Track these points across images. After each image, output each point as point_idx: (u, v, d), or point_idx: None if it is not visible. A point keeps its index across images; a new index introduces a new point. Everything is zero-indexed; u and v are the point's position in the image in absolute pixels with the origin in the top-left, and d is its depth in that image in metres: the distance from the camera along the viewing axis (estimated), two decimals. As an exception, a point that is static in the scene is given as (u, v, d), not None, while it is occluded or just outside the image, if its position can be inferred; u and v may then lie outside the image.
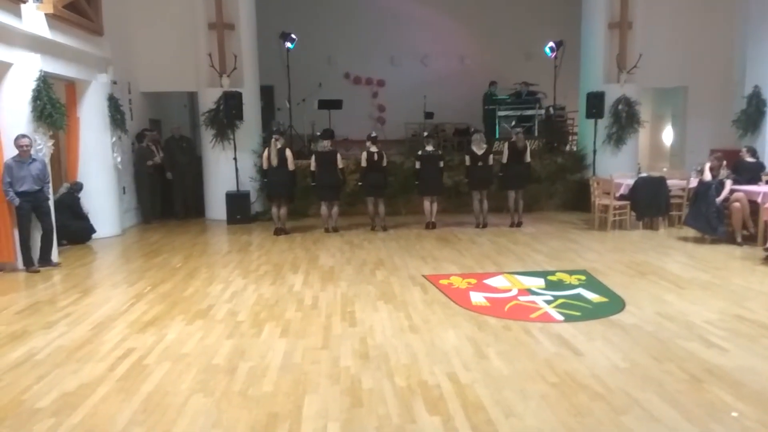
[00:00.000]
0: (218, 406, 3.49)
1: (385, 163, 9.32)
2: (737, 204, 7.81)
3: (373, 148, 9.25)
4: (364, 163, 9.26)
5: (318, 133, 10.83)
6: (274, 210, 9.27)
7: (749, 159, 8.89)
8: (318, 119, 12.87)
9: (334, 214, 9.37)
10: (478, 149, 9.29)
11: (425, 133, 9.57)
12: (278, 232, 9.22)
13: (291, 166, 8.96)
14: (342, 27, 14.20)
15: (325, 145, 9.20)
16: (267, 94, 12.97)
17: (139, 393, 3.68)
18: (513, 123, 11.23)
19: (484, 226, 9.43)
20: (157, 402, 3.56)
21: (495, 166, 9.54)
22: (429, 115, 13.18)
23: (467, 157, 9.39)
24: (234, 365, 4.09)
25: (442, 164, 9.38)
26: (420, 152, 9.39)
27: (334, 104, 12.91)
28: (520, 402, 3.49)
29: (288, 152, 8.97)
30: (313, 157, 9.24)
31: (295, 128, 12.50)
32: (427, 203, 9.45)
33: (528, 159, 9.48)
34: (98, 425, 3.30)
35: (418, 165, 9.33)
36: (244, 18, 10.92)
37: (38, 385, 3.84)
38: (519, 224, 9.49)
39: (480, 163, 9.28)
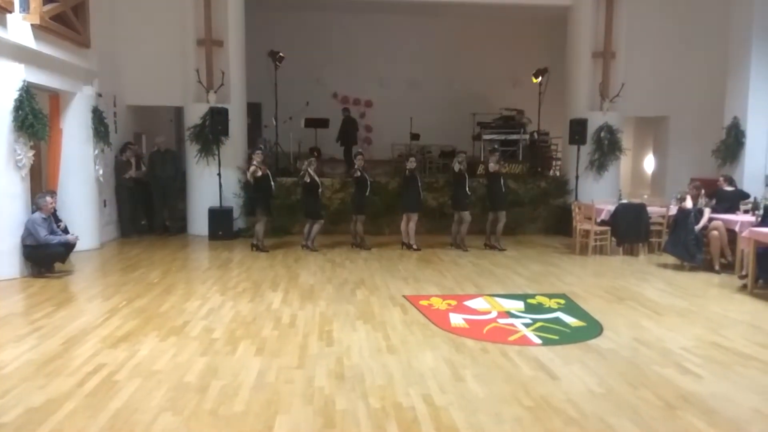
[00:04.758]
0: (187, 425, 3.42)
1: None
2: (715, 232, 7.91)
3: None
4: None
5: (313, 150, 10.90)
6: None
7: (727, 188, 9.02)
8: (304, 137, 12.91)
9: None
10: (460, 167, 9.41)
11: (411, 159, 9.62)
12: (252, 246, 9.32)
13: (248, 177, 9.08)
14: (331, 47, 14.30)
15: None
16: (254, 111, 12.98)
17: (106, 410, 3.60)
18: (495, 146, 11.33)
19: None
20: (124, 419, 3.48)
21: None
22: (415, 137, 13.26)
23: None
24: (206, 383, 4.01)
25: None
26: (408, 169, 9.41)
27: (320, 123, 12.97)
28: (494, 425, 3.46)
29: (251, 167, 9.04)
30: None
31: (281, 146, 12.51)
32: (404, 222, 9.47)
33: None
34: (62, 442, 3.22)
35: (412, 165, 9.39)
36: (233, 35, 10.97)
37: (3, 399, 3.73)
38: (493, 246, 9.55)
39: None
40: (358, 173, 9.27)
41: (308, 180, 9.05)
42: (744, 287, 6.94)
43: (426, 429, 3.40)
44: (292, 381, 4.08)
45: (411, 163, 9.42)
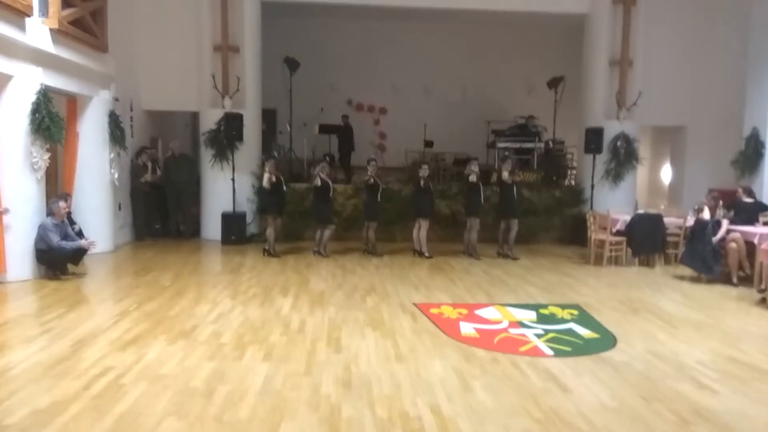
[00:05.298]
0: (191, 431, 3.39)
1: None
2: (734, 244, 7.76)
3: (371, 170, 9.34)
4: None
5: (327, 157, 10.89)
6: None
7: (746, 199, 8.86)
8: (319, 144, 12.93)
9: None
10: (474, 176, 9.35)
11: (424, 166, 9.60)
12: (264, 252, 9.31)
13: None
14: (346, 54, 14.32)
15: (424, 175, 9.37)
16: (270, 117, 13.03)
17: (111, 413, 3.58)
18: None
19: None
20: (128, 423, 3.46)
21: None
22: (429, 144, 13.21)
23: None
24: (212, 388, 3.99)
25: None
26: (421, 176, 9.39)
27: (334, 129, 12.98)
28: (502, 438, 3.39)
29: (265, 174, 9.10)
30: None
31: (295, 152, 12.54)
32: (416, 229, 9.42)
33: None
34: (66, 445, 3.21)
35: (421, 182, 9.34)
36: (249, 41, 11.03)
37: (10, 400, 3.74)
38: (505, 255, 9.46)
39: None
40: (372, 180, 9.26)
41: (319, 183, 9.05)
42: (762, 301, 6.78)
43: (432, 440, 3.34)
44: (299, 388, 4.04)
45: (424, 171, 9.38)
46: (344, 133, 12.98)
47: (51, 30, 7.45)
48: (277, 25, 12.80)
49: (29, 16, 6.99)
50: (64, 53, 7.84)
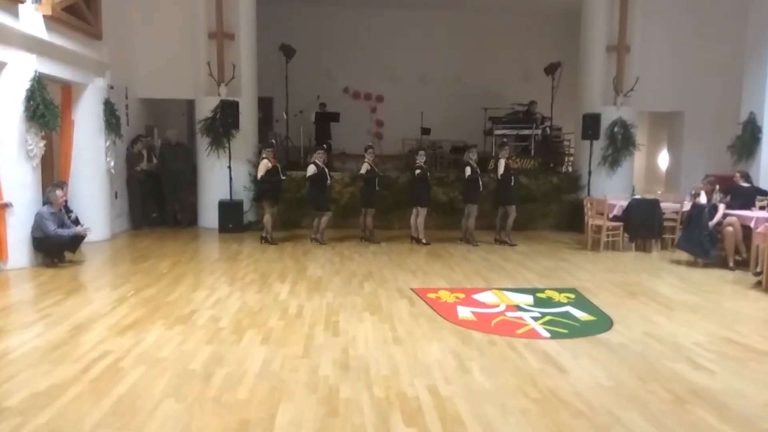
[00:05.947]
0: (189, 412, 3.40)
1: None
2: (730, 228, 7.78)
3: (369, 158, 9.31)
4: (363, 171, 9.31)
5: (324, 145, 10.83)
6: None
7: (743, 184, 8.87)
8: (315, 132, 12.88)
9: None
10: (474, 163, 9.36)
11: (421, 152, 9.57)
12: (261, 239, 9.31)
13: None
14: (342, 42, 14.25)
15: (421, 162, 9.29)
16: (266, 105, 12.99)
17: (110, 395, 3.59)
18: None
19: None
20: (127, 405, 3.47)
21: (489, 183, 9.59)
22: (426, 131, 13.19)
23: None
24: (210, 371, 4.00)
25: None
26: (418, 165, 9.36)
27: (331, 117, 12.94)
28: (499, 417, 3.41)
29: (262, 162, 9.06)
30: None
31: (292, 140, 12.50)
32: (413, 216, 9.42)
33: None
34: (64, 426, 3.21)
35: (418, 169, 9.29)
36: (244, 29, 10.96)
37: (8, 384, 3.74)
38: (503, 241, 9.47)
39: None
40: (369, 167, 9.23)
41: (316, 171, 9.02)
42: (758, 284, 6.81)
43: (430, 419, 3.36)
44: (297, 370, 4.05)
45: (420, 158, 9.36)
46: (322, 121, 12.85)
47: (44, 17, 7.39)
48: (273, 12, 12.72)
49: (22, 2, 6.93)
50: (58, 40, 7.77)
